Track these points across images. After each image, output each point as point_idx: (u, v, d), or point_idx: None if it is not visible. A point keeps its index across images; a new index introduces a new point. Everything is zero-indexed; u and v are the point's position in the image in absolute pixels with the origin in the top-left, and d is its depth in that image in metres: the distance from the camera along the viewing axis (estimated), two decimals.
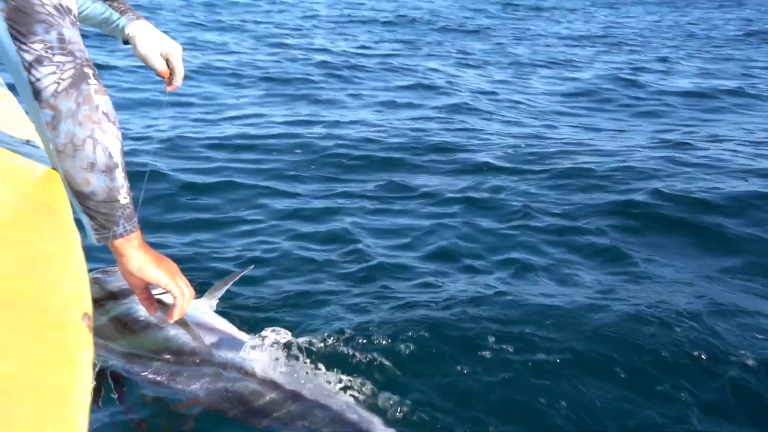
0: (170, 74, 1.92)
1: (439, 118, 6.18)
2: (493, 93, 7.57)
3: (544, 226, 3.60)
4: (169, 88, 1.94)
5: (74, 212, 1.44)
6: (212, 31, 10.96)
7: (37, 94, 1.34)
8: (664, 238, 3.61)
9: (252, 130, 5.32)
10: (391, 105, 6.74)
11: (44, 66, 1.34)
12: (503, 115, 6.51)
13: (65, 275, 1.17)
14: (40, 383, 0.89)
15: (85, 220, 1.45)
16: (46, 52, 1.34)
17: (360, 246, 3.20)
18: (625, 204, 3.96)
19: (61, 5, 1.35)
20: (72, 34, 1.36)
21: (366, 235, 3.39)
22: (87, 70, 1.37)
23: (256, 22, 12.40)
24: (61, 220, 1.37)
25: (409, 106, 6.70)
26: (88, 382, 0.95)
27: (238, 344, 1.94)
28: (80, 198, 1.43)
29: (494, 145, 5.28)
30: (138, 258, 1.55)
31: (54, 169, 1.53)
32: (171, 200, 3.66)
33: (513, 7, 17.88)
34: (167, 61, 1.90)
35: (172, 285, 1.61)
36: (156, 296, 1.69)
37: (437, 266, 3.10)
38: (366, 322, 2.45)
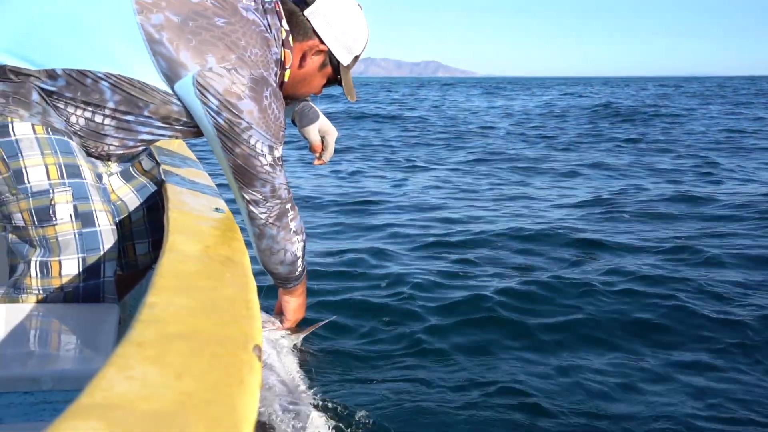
0: (322, 150, 2.07)
1: None
2: None
3: None
4: (317, 162, 2.13)
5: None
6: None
7: (250, 218, 1.78)
8: None
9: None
10: None
11: (258, 207, 1.75)
12: None
13: (241, 315, 1.24)
14: (213, 401, 0.94)
15: (269, 275, 1.99)
16: (261, 197, 1.73)
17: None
18: None
19: (275, 160, 1.69)
20: (281, 180, 1.74)
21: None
22: (288, 206, 1.78)
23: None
24: (241, 271, 1.46)
25: None
26: (256, 402, 0.98)
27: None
28: (268, 272, 1.96)
29: None
30: (290, 300, 2.09)
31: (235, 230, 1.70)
32: None
33: None
34: (323, 138, 2.06)
35: (291, 324, 2.14)
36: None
37: None
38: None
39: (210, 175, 2.19)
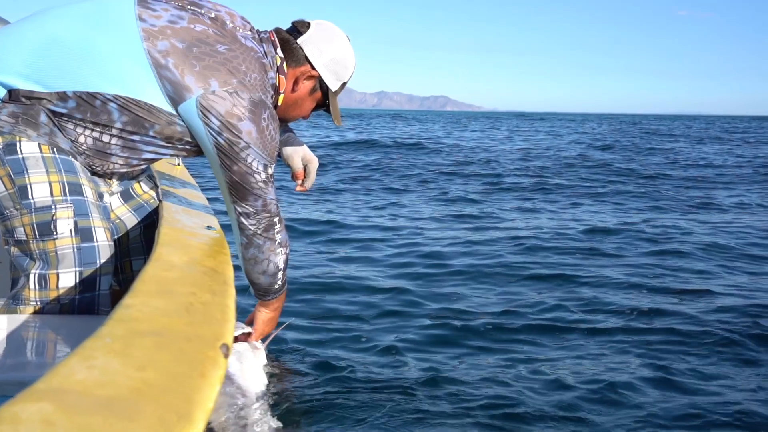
0: (304, 177, 2.10)
1: None
2: None
3: None
4: (299, 189, 2.16)
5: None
6: None
7: (240, 229, 1.79)
8: None
9: None
10: None
11: (249, 219, 1.76)
12: None
13: (215, 317, 1.24)
14: (171, 389, 0.93)
15: (250, 285, 1.98)
16: (253, 211, 1.75)
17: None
18: None
19: (268, 177, 1.74)
20: (272, 196, 1.77)
21: None
22: (275, 219, 1.80)
23: None
24: (223, 281, 1.46)
25: None
26: (214, 392, 0.97)
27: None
28: (250, 282, 1.95)
29: None
30: (263, 311, 2.05)
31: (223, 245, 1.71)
32: None
33: None
34: (305, 166, 2.09)
35: (257, 335, 2.10)
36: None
37: None
38: None
39: (208, 198, 2.21)
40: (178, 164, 2.47)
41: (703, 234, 5.50)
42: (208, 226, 1.83)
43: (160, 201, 1.97)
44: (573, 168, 12.08)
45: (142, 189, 1.97)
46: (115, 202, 1.90)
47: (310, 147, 2.17)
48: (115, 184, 1.89)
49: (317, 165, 2.17)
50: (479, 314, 3.23)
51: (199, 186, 2.35)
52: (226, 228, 1.92)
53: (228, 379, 1.98)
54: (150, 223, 1.95)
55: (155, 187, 2.03)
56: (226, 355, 1.10)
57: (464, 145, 18.18)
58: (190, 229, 1.76)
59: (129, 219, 1.93)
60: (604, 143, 19.38)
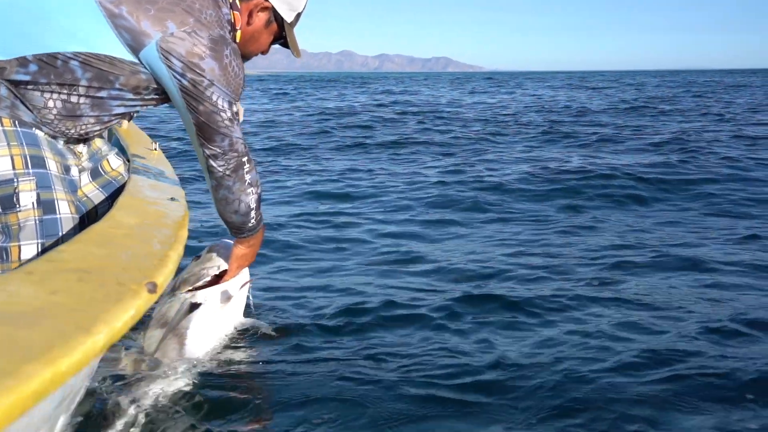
0: None
1: None
2: None
3: None
4: None
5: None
6: None
7: (209, 172, 1.79)
8: None
9: None
10: None
11: (217, 161, 1.76)
12: None
13: (152, 264, 1.22)
14: (79, 310, 0.92)
15: (225, 224, 1.98)
16: (220, 151, 1.75)
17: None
18: None
19: (233, 115, 1.74)
20: (238, 135, 1.77)
21: None
22: (244, 159, 1.80)
23: None
24: (172, 237, 1.45)
25: None
26: (126, 315, 0.96)
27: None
28: (224, 221, 1.95)
29: None
30: (239, 247, 2.08)
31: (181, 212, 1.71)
32: None
33: None
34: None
35: (232, 268, 2.12)
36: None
37: None
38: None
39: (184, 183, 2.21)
40: (155, 149, 2.48)
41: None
42: (171, 198, 1.83)
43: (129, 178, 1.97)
44: (553, 123, 11.87)
45: (110, 166, 1.98)
46: (83, 180, 1.91)
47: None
48: (85, 159, 1.89)
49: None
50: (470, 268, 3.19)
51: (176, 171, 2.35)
52: (192, 203, 1.92)
53: (180, 341, 1.98)
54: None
55: (124, 163, 2.03)
56: (151, 291, 1.09)
57: (471, 104, 18.21)
58: (151, 199, 1.76)
59: (96, 196, 1.93)
60: (581, 101, 19.25)
